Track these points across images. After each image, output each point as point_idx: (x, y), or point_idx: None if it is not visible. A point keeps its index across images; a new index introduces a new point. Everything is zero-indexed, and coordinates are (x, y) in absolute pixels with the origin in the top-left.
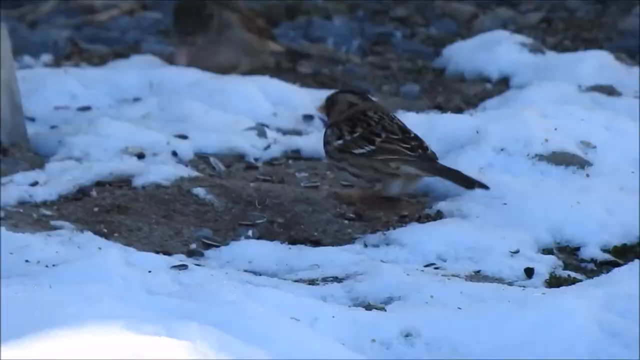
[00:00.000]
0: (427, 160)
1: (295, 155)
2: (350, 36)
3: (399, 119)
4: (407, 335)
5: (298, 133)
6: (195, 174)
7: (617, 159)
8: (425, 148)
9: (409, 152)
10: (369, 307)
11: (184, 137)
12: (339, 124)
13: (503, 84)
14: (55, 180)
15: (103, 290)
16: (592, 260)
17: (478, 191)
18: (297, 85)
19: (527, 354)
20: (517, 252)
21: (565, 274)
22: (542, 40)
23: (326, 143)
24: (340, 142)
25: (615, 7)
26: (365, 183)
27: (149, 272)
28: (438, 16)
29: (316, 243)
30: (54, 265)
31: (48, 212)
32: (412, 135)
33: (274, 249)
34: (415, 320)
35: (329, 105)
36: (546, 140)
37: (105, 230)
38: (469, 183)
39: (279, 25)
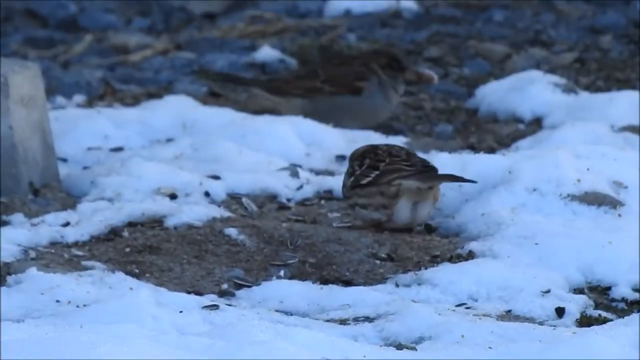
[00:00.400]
0: (425, 171)
1: (328, 195)
2: None
3: (411, 150)
4: None
5: (330, 173)
6: (227, 214)
7: None
8: (429, 166)
9: (407, 168)
10: (400, 347)
11: (216, 177)
12: (352, 165)
13: (536, 124)
14: (87, 220)
15: (134, 330)
16: (623, 300)
17: (510, 231)
18: (330, 126)
19: None
20: (548, 291)
21: (596, 313)
22: (575, 81)
23: (343, 186)
24: (352, 179)
25: None
26: (374, 212)
27: (180, 312)
28: (471, 56)
29: (348, 283)
30: (85, 306)
31: (79, 253)
32: (419, 158)
33: (306, 288)
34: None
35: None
36: (578, 181)
37: (137, 271)
38: (459, 179)
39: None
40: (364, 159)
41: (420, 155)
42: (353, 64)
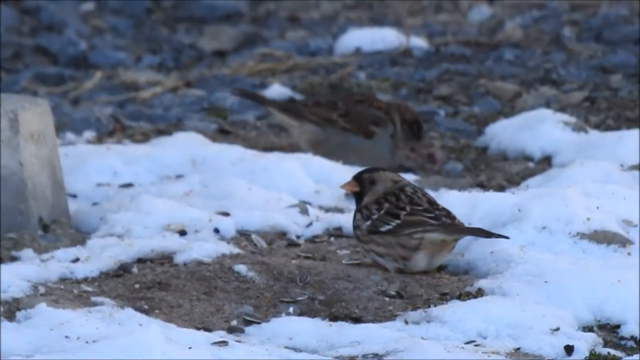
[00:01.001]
0: (451, 225)
1: (337, 232)
2: None
3: (430, 195)
4: None
5: (340, 210)
6: (237, 251)
7: None
8: (452, 217)
9: (432, 221)
10: None
11: (226, 214)
12: (368, 206)
13: (545, 162)
14: (97, 256)
15: None
16: (632, 338)
17: (519, 269)
18: (339, 163)
19: None
20: (557, 329)
21: (605, 351)
22: (585, 119)
23: (355, 227)
24: (368, 222)
25: None
26: (391, 262)
27: (190, 348)
28: (481, 95)
29: (357, 320)
30: (94, 342)
31: (89, 289)
32: (440, 207)
33: (315, 325)
34: None
35: (365, 184)
36: (588, 219)
37: (146, 307)
38: (489, 234)
39: None
40: (382, 202)
41: (430, 193)
42: (373, 106)
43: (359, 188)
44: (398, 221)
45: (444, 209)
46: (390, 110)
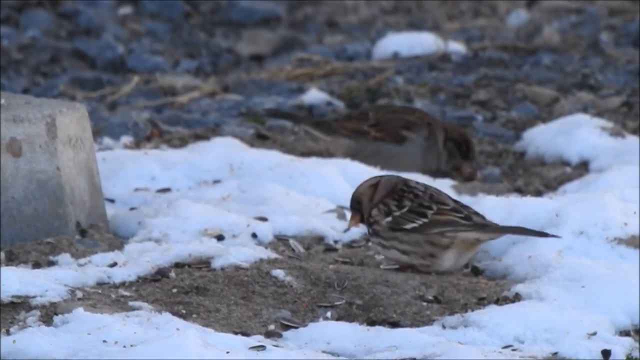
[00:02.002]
0: (484, 225)
1: None
2: None
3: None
4: None
5: None
6: (274, 255)
7: None
8: (480, 215)
9: (463, 221)
10: None
11: (263, 219)
12: (383, 201)
13: (583, 167)
14: (134, 261)
15: None
16: None
17: (557, 274)
18: (377, 168)
19: None
20: (594, 334)
21: None
22: (622, 125)
23: (372, 223)
24: (389, 219)
25: None
26: (417, 259)
27: (227, 352)
28: (519, 100)
29: (395, 325)
30: (132, 346)
31: (126, 293)
32: (462, 204)
33: (353, 330)
34: None
35: (357, 208)
36: (625, 224)
37: (184, 312)
38: (527, 231)
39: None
40: (400, 199)
41: (468, 198)
42: (406, 114)
43: (359, 215)
44: (425, 220)
45: (472, 209)
46: (432, 122)
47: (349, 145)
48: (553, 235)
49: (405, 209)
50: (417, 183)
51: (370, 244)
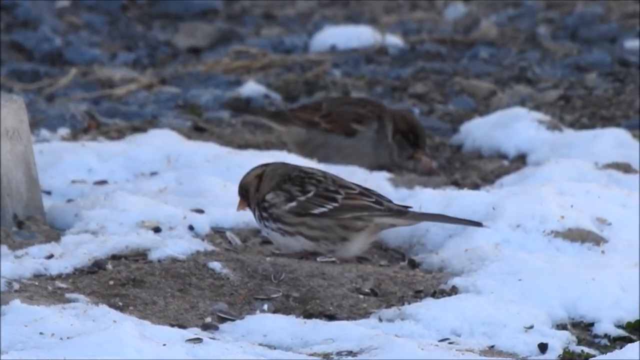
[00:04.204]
0: (400, 211)
1: None
2: None
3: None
4: None
5: None
6: (211, 248)
7: (632, 235)
8: (388, 199)
9: (377, 206)
10: None
11: (200, 211)
12: (281, 187)
13: (520, 160)
14: (71, 253)
15: None
16: (606, 336)
17: (494, 267)
18: (314, 161)
19: None
20: (531, 327)
21: (578, 349)
22: (559, 118)
23: (268, 207)
24: (293, 204)
25: (633, 86)
26: (327, 245)
27: (164, 345)
28: (456, 93)
29: (331, 317)
30: (68, 338)
31: (63, 285)
32: (367, 188)
33: (289, 323)
34: None
35: (245, 195)
36: (562, 217)
37: (121, 304)
38: (460, 221)
39: (297, 100)
40: (303, 184)
41: (405, 190)
42: (358, 105)
43: (246, 201)
44: (336, 204)
45: (375, 191)
46: (384, 114)
47: (300, 135)
48: (476, 223)
49: (310, 194)
50: (313, 169)
51: (265, 231)
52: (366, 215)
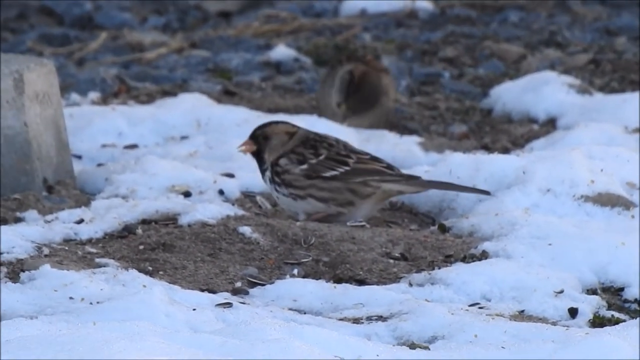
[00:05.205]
0: (410, 176)
1: None
2: (398, 76)
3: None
4: None
5: None
6: (241, 212)
7: None
8: (396, 168)
9: (388, 171)
10: (413, 346)
11: (230, 175)
12: (294, 151)
13: (550, 124)
14: (101, 218)
15: (147, 327)
16: (636, 301)
17: (524, 231)
18: (344, 125)
19: None
20: (561, 292)
21: (608, 314)
22: (589, 82)
23: (282, 173)
24: (304, 166)
25: None
26: (335, 206)
27: (194, 310)
28: (486, 57)
29: (361, 282)
30: (98, 303)
31: (93, 250)
32: (375, 155)
33: (319, 287)
34: (459, 359)
35: (259, 141)
36: (592, 182)
37: (150, 268)
38: (469, 189)
39: (326, 64)
40: (315, 148)
41: (435, 155)
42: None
43: (256, 146)
44: (347, 167)
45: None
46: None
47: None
48: (484, 192)
49: (322, 157)
50: (327, 135)
51: (277, 197)
52: (377, 180)
